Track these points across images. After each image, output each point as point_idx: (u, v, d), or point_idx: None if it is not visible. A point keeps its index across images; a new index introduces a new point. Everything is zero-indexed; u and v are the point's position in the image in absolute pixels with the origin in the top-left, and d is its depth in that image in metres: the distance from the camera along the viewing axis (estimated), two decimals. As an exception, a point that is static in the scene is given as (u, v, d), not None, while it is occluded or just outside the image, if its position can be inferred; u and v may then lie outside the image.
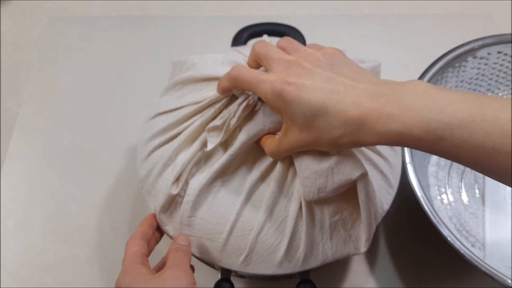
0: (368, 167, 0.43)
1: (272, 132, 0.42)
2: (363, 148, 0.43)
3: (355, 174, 0.38)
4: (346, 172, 0.38)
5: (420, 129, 0.28)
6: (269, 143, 0.39)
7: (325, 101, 0.31)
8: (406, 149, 0.51)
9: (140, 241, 0.41)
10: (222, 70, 0.45)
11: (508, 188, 0.59)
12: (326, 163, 0.38)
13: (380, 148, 0.45)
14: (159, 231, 0.46)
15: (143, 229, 0.43)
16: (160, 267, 0.41)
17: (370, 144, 0.31)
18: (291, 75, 0.33)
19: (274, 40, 0.49)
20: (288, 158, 0.43)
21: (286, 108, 0.33)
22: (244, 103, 0.41)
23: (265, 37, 0.47)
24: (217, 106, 0.43)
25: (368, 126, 0.30)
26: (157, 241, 0.45)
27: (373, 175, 0.43)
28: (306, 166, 0.39)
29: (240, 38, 0.60)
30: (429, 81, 0.55)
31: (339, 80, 0.32)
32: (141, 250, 0.40)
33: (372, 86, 0.31)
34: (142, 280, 0.37)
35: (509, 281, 0.43)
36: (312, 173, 0.39)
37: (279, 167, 0.43)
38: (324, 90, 0.31)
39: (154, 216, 0.45)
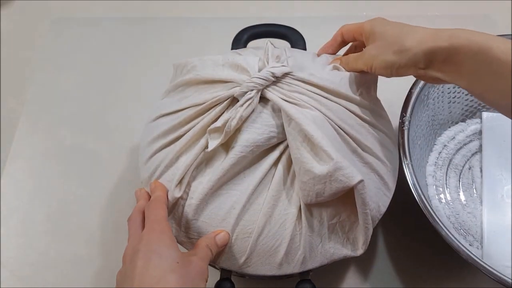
0: (365, 171, 0.44)
1: (273, 136, 0.43)
2: (361, 152, 0.44)
3: (352, 181, 0.39)
4: (343, 180, 0.39)
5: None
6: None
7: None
8: (404, 149, 0.51)
9: (165, 206, 0.41)
10: (222, 72, 0.45)
11: (506, 187, 0.60)
12: (324, 170, 0.39)
13: (377, 150, 0.46)
14: None
15: (163, 195, 0.43)
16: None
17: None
18: None
19: (275, 42, 0.49)
20: (288, 162, 0.44)
21: None
22: (245, 106, 0.42)
23: (267, 41, 0.47)
24: (218, 108, 0.43)
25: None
26: None
27: (370, 179, 0.44)
28: (305, 171, 0.40)
29: (240, 40, 0.61)
30: (425, 82, 0.56)
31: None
32: (166, 216, 0.40)
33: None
34: (173, 246, 0.37)
35: (508, 280, 0.44)
36: (310, 179, 0.40)
37: (279, 171, 0.43)
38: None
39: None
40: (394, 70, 0.42)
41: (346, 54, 0.51)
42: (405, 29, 0.41)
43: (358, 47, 0.50)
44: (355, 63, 0.46)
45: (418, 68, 0.41)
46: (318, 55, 0.51)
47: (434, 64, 0.40)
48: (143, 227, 0.40)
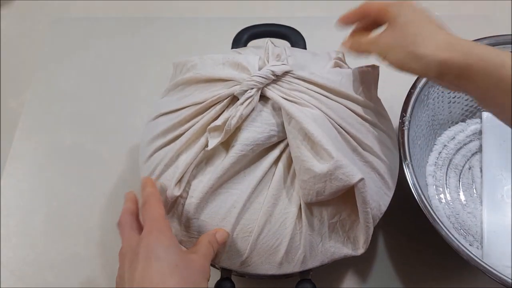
0: (366, 169, 0.44)
1: (273, 135, 0.43)
2: (362, 151, 0.44)
3: (352, 179, 0.39)
4: (344, 178, 0.39)
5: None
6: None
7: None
8: (404, 148, 0.51)
9: (161, 204, 0.40)
10: (222, 71, 0.45)
11: (506, 187, 0.60)
12: (325, 169, 0.39)
13: (377, 149, 0.46)
14: None
15: (155, 191, 0.42)
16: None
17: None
18: None
19: (275, 41, 0.49)
20: (288, 160, 0.44)
21: None
22: (245, 104, 0.42)
23: (267, 40, 0.47)
24: (218, 107, 0.43)
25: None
26: None
27: (371, 177, 0.44)
28: (305, 170, 0.40)
29: (241, 39, 0.61)
30: (425, 83, 0.56)
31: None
32: (164, 213, 0.40)
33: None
34: (172, 247, 0.37)
35: (508, 280, 0.44)
36: (311, 177, 0.40)
37: (279, 170, 0.43)
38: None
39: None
40: (405, 69, 0.41)
41: (352, 34, 0.48)
42: (427, 29, 0.40)
43: (367, 29, 0.47)
44: (367, 47, 0.45)
45: (429, 77, 0.41)
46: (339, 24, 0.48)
47: (446, 77, 0.39)
48: (137, 228, 0.40)
